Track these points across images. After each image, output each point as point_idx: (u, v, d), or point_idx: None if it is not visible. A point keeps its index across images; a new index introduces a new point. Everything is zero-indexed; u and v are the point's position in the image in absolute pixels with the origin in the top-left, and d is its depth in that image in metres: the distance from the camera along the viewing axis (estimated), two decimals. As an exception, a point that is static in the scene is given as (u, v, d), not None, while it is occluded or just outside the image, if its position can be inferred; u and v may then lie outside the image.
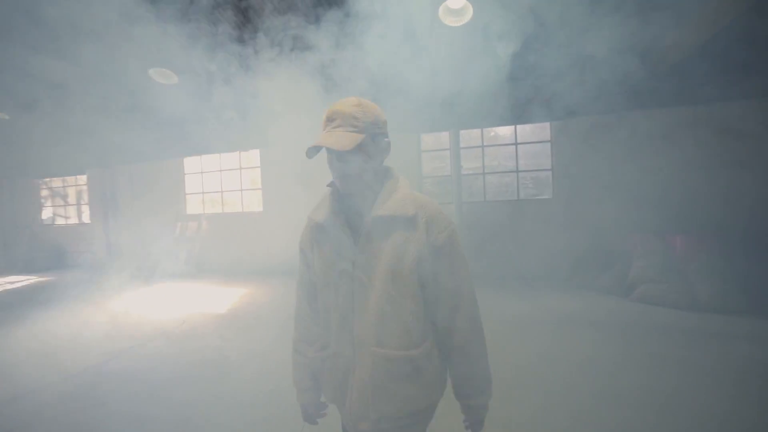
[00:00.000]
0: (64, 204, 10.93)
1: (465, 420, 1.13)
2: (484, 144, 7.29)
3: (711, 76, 4.84)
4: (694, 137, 5.80)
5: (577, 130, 6.36)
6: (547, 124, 6.72)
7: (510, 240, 6.67)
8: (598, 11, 3.80)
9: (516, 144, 6.99)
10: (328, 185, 1.11)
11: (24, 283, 8.04)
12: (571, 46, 4.50)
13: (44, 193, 11.22)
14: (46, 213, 11.22)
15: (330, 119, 0.98)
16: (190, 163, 9.32)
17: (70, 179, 10.73)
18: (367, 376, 1.00)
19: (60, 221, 11.02)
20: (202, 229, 8.62)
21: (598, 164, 6.23)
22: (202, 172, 9.21)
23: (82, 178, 10.44)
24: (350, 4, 4.09)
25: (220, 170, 9.01)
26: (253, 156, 8.59)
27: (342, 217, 1.06)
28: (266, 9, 4.20)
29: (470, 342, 1.04)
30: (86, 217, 10.55)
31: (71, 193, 10.95)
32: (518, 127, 6.97)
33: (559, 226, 6.42)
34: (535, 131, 7.16)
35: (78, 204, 10.82)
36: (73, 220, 10.86)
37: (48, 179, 10.97)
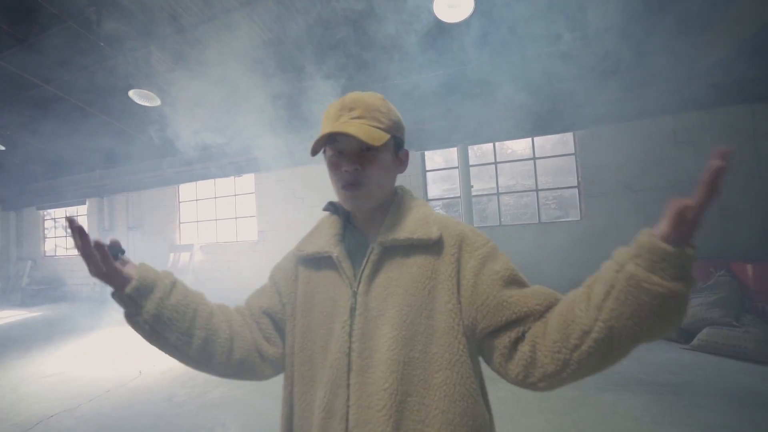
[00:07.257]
0: (65, 235, 10.70)
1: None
2: (497, 161, 6.49)
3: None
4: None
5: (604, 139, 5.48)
6: (570, 135, 5.87)
7: (531, 269, 5.71)
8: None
9: (534, 159, 6.14)
10: (324, 209, 0.83)
11: (20, 317, 7.57)
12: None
13: (48, 224, 11.06)
14: (49, 245, 11.01)
15: (348, 108, 0.70)
16: (185, 190, 8.87)
17: (71, 209, 10.53)
18: None
19: (61, 252, 10.77)
20: (194, 260, 8.04)
21: (632, 178, 5.31)
22: (197, 200, 8.74)
23: (83, 209, 10.20)
24: None
25: (215, 197, 8.51)
26: (248, 181, 8.05)
27: (343, 247, 0.75)
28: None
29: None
30: (86, 248, 10.21)
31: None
32: (539, 138, 6.15)
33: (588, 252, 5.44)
34: (558, 144, 6.32)
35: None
36: (74, 251, 10.58)
37: (51, 210, 10.82)
